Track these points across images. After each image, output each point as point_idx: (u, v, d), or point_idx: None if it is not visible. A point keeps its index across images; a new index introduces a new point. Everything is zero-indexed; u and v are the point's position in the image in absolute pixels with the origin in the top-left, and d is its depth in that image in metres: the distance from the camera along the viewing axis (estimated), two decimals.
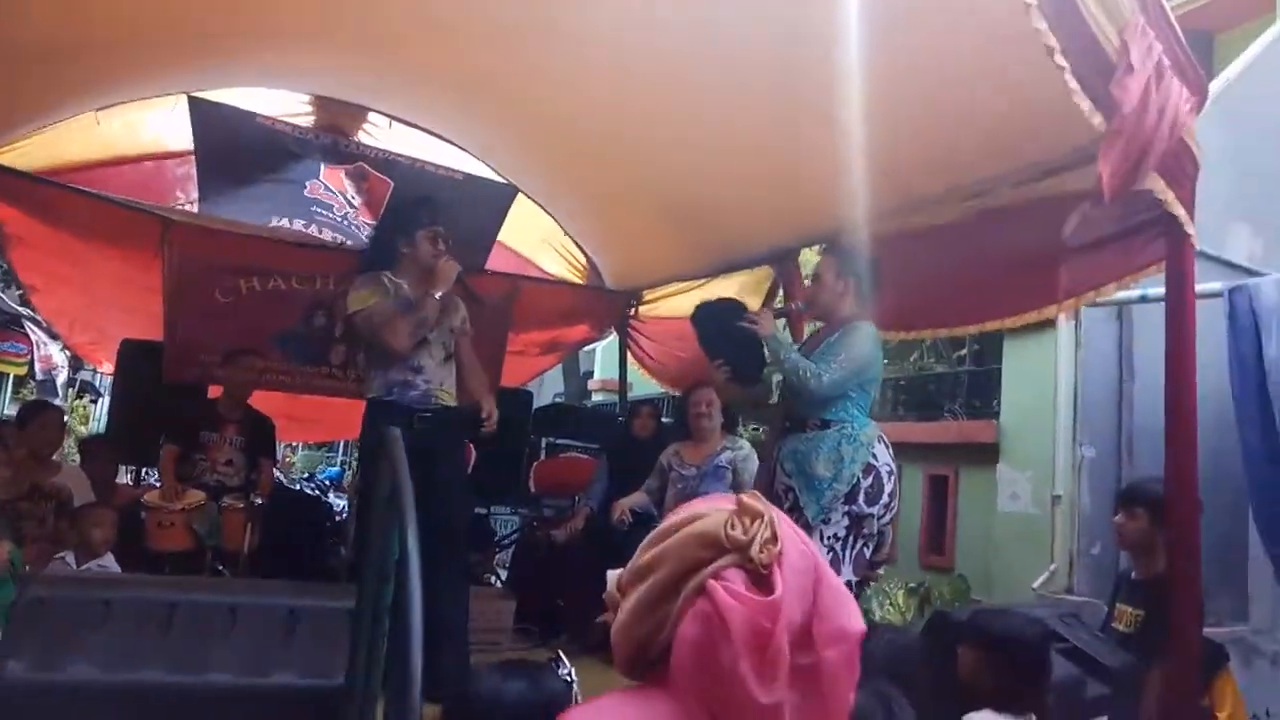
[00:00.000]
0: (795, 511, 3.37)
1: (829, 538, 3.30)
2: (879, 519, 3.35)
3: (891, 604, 5.56)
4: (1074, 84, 2.36)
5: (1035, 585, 5.02)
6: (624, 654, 1.05)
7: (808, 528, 3.35)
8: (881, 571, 3.75)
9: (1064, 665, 2.92)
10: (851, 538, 3.31)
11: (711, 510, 1.02)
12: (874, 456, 3.33)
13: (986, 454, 5.76)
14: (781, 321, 3.88)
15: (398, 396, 3.63)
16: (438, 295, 3.61)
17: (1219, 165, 5.18)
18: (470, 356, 3.93)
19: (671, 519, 1.07)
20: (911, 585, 5.68)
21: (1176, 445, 2.75)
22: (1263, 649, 4.96)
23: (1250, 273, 4.63)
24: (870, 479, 3.30)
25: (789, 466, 3.44)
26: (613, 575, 1.11)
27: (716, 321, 3.70)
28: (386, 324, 3.55)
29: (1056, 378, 5.17)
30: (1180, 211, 2.73)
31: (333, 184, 5.05)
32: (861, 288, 3.53)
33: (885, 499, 3.34)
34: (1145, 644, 3.05)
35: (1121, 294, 4.80)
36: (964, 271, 3.46)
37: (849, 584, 3.32)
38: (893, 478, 3.39)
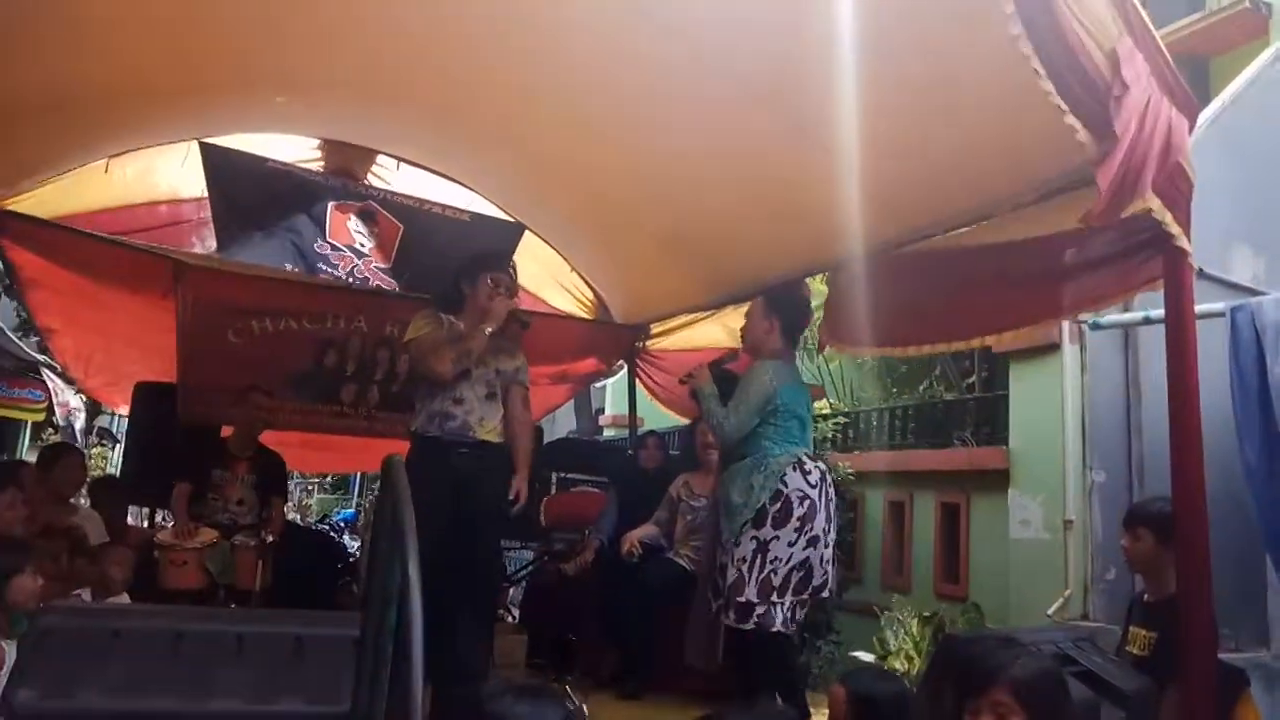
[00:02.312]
0: (720, 536, 3.76)
1: (738, 560, 3.58)
2: (791, 544, 3.54)
3: (906, 634, 5.51)
4: (1064, 105, 2.40)
5: (1050, 611, 4.98)
6: None
7: (725, 551, 3.68)
8: (825, 594, 3.85)
9: (1078, 689, 2.90)
10: (758, 560, 3.54)
11: None
12: (784, 484, 3.58)
13: (997, 480, 5.74)
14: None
15: (438, 429, 3.74)
16: (488, 330, 3.75)
17: (1219, 188, 5.22)
18: (520, 410, 4.00)
19: None
20: (925, 614, 5.64)
21: (1182, 464, 2.74)
22: None
23: (1254, 293, 4.64)
24: (778, 505, 3.56)
25: (719, 495, 3.81)
26: None
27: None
28: (433, 350, 3.74)
29: (1064, 402, 5.16)
30: (1177, 230, 2.74)
31: (340, 236, 5.13)
32: (786, 326, 3.90)
33: (795, 523, 3.55)
34: (1159, 666, 3.02)
35: (1126, 316, 4.85)
36: (964, 289, 3.48)
37: (755, 604, 3.52)
38: (805, 503, 3.58)
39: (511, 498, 3.80)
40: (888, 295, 3.79)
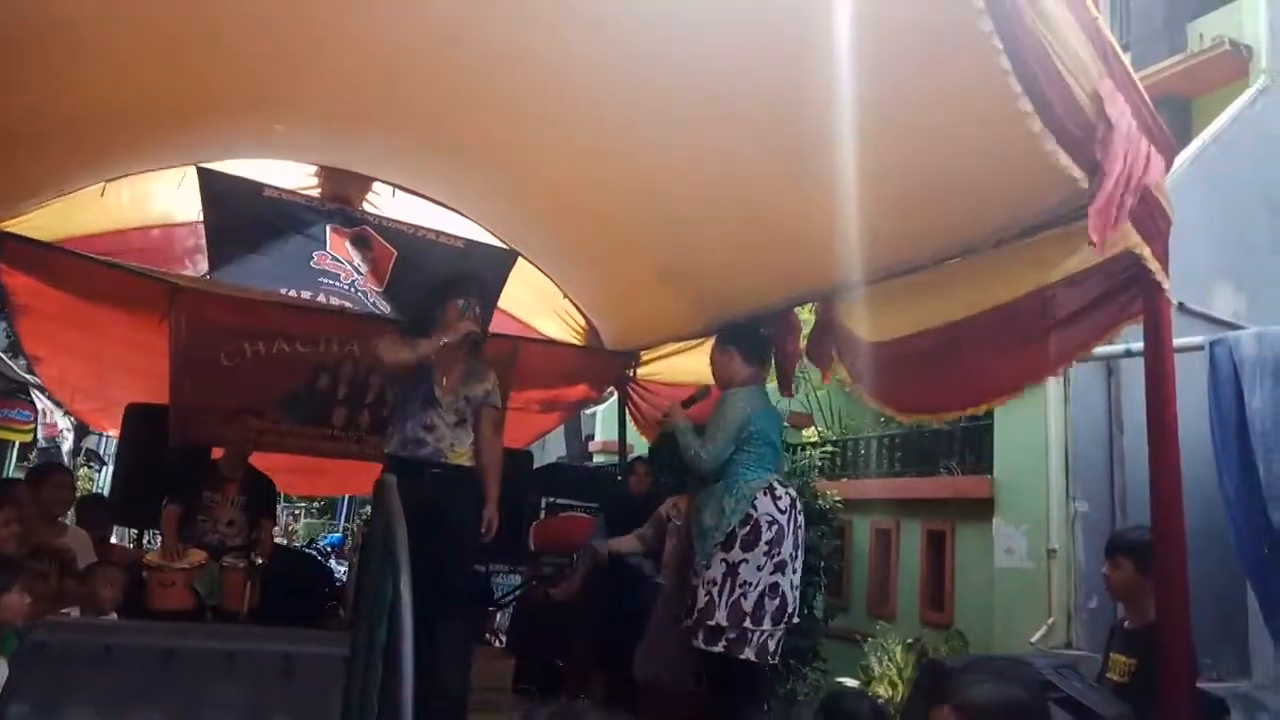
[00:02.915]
0: (692, 558, 3.81)
1: (708, 582, 3.63)
2: (760, 568, 3.59)
3: (890, 660, 5.53)
4: (1051, 145, 2.48)
5: (1034, 639, 5.01)
6: None
7: (697, 574, 3.73)
8: (795, 621, 3.85)
9: (1059, 715, 2.93)
10: (728, 584, 3.59)
11: None
12: (754, 508, 3.64)
13: (982, 509, 5.78)
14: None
15: (410, 453, 3.79)
16: (441, 341, 3.81)
17: (1200, 225, 5.33)
18: (489, 433, 4.06)
19: None
20: (909, 641, 5.66)
21: (1161, 495, 2.78)
22: (1267, 705, 4.91)
23: (1234, 328, 4.72)
24: (747, 528, 3.63)
25: (691, 519, 3.88)
26: None
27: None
28: (389, 348, 3.86)
29: (1048, 433, 5.22)
30: (1155, 266, 2.80)
31: (339, 253, 5.18)
32: (746, 354, 4.00)
33: (763, 547, 3.60)
34: (1139, 693, 3.05)
35: (1108, 349, 4.90)
36: (959, 363, 3.51)
37: (726, 629, 3.57)
38: (774, 527, 3.64)
39: (483, 529, 3.86)
40: (884, 367, 3.85)
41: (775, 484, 3.75)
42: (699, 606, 3.64)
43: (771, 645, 3.66)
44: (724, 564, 3.61)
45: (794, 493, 3.85)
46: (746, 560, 3.59)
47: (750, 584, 3.58)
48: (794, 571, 3.71)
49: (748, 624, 3.56)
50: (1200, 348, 3.91)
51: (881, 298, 3.88)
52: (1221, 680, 4.64)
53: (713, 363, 4.13)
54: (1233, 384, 3.71)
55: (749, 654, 3.57)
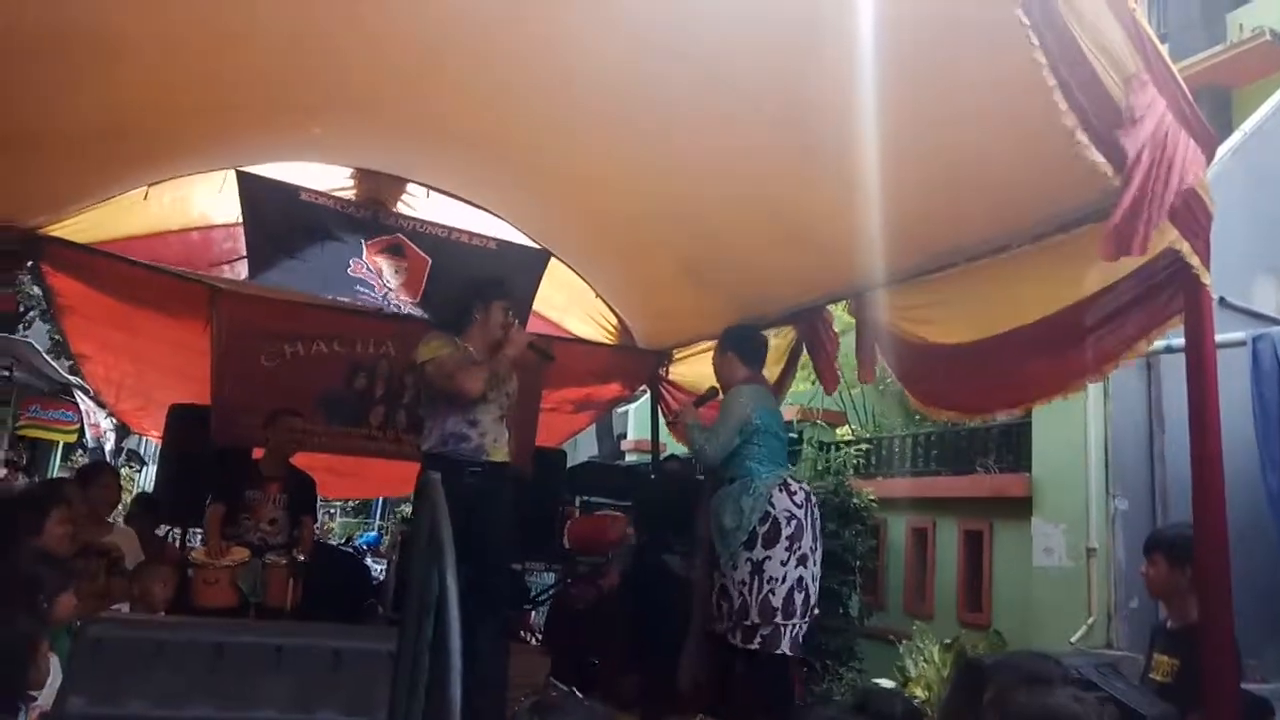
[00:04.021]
0: (716, 560, 3.90)
1: (737, 583, 3.73)
2: (784, 563, 3.69)
3: (927, 660, 5.50)
4: (1083, 138, 2.45)
5: (1074, 639, 4.97)
6: None
7: (724, 574, 3.82)
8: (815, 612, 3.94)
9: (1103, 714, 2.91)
10: (756, 582, 3.69)
11: None
12: (771, 505, 3.75)
13: (1020, 508, 5.74)
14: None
15: (452, 449, 3.81)
16: (509, 355, 3.87)
17: (1242, 217, 5.25)
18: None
19: None
20: (947, 641, 5.62)
21: (1203, 493, 2.75)
22: None
23: (1276, 322, 4.65)
24: (767, 525, 3.73)
25: (710, 520, 3.97)
26: None
27: None
28: (461, 369, 3.80)
29: (1087, 430, 5.17)
30: (1196, 261, 2.77)
31: (373, 264, 5.24)
32: (744, 355, 4.18)
33: (785, 543, 3.71)
34: (1182, 693, 3.02)
35: (1148, 345, 4.86)
36: (1000, 366, 3.50)
37: (760, 625, 3.65)
38: (793, 522, 3.75)
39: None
40: (915, 366, 3.87)
41: (789, 480, 3.87)
42: (735, 607, 3.72)
43: (803, 636, 3.77)
44: (749, 563, 3.71)
45: (807, 487, 3.95)
46: (770, 557, 3.70)
47: (777, 579, 3.68)
48: (815, 564, 3.81)
49: (779, 619, 3.65)
50: (1243, 343, 3.86)
51: (919, 304, 3.87)
52: (1266, 681, 4.57)
53: (714, 366, 4.32)
54: (1276, 379, 3.66)
55: (784, 648, 3.65)
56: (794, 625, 3.69)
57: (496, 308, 3.97)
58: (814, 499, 3.92)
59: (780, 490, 3.79)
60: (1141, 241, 2.49)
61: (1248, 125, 5.95)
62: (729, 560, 3.78)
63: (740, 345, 4.26)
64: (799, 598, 3.69)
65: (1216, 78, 7.11)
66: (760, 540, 3.72)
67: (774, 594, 3.66)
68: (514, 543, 4.02)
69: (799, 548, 3.73)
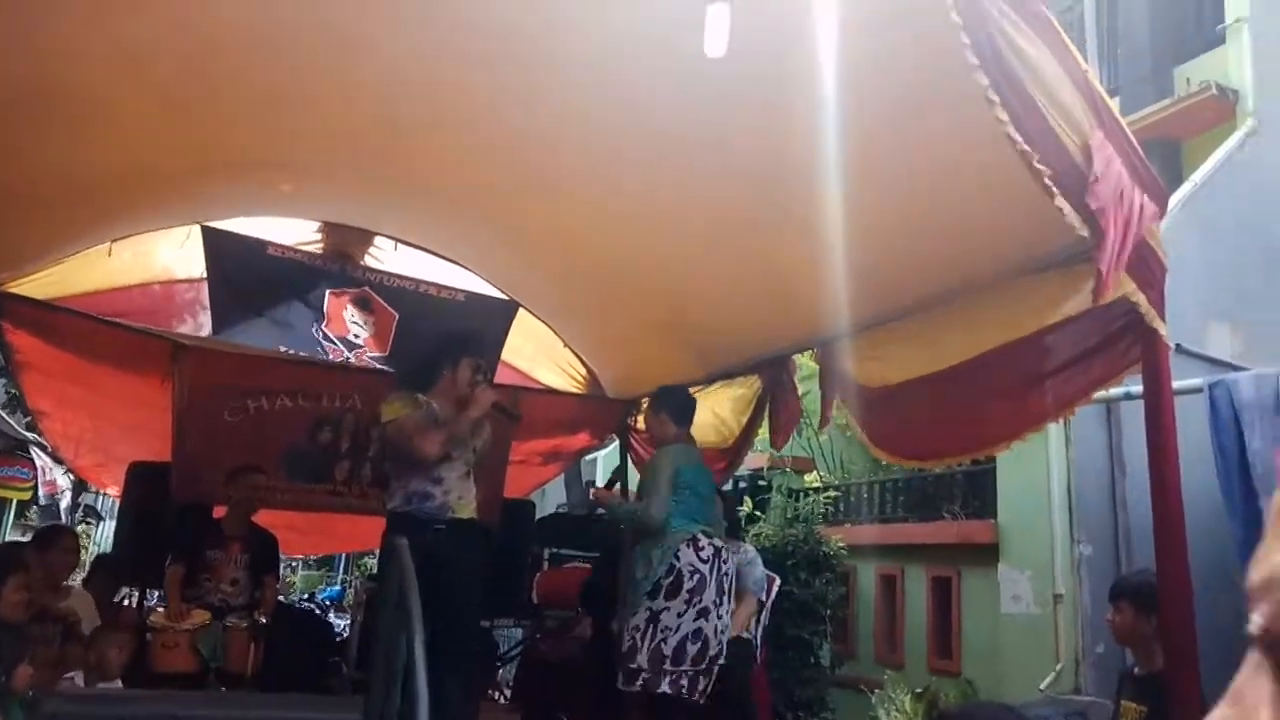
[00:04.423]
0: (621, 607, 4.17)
1: (632, 628, 3.93)
2: (681, 614, 3.88)
3: (899, 710, 5.48)
4: (1054, 188, 2.52)
5: (1043, 686, 4.97)
6: None
7: (621, 620, 4.07)
8: (721, 663, 4.06)
9: None
10: (650, 630, 3.88)
11: None
12: (677, 558, 3.93)
13: (987, 554, 5.77)
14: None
15: (416, 507, 3.77)
16: (473, 416, 3.83)
17: (1195, 266, 5.39)
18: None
19: None
20: (918, 690, 5.61)
21: (1164, 539, 2.78)
22: None
23: (1232, 368, 4.75)
24: (671, 578, 3.91)
25: (625, 571, 4.25)
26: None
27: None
28: (419, 432, 3.76)
29: (1050, 476, 5.23)
30: (1150, 312, 2.84)
31: (339, 319, 5.20)
32: (674, 415, 4.32)
33: (685, 595, 3.89)
34: None
35: (1108, 392, 4.93)
36: (959, 409, 3.55)
37: (644, 670, 3.86)
38: (695, 576, 3.94)
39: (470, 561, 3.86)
40: (877, 412, 3.91)
41: (699, 535, 4.01)
42: (623, 650, 3.94)
43: (701, 684, 3.91)
44: (648, 611, 3.90)
45: (719, 543, 4.10)
46: (669, 608, 3.88)
47: (671, 629, 3.87)
48: (719, 618, 3.97)
49: (667, 665, 3.84)
50: (1200, 390, 3.94)
51: (881, 343, 3.92)
52: None
53: (647, 424, 4.56)
54: (1234, 426, 3.73)
55: (665, 688, 3.84)
56: (685, 672, 3.87)
57: (465, 366, 3.93)
58: (724, 554, 4.08)
59: (688, 545, 3.96)
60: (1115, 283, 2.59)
61: (1197, 176, 6.13)
62: (632, 607, 3.98)
63: (672, 404, 4.41)
64: (693, 648, 3.88)
65: (1166, 130, 7.32)
66: (663, 592, 3.90)
67: (665, 643, 3.86)
68: (480, 601, 3.96)
69: (699, 601, 3.91)
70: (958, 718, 3.03)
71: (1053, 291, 3.07)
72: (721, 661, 4.02)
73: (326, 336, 5.15)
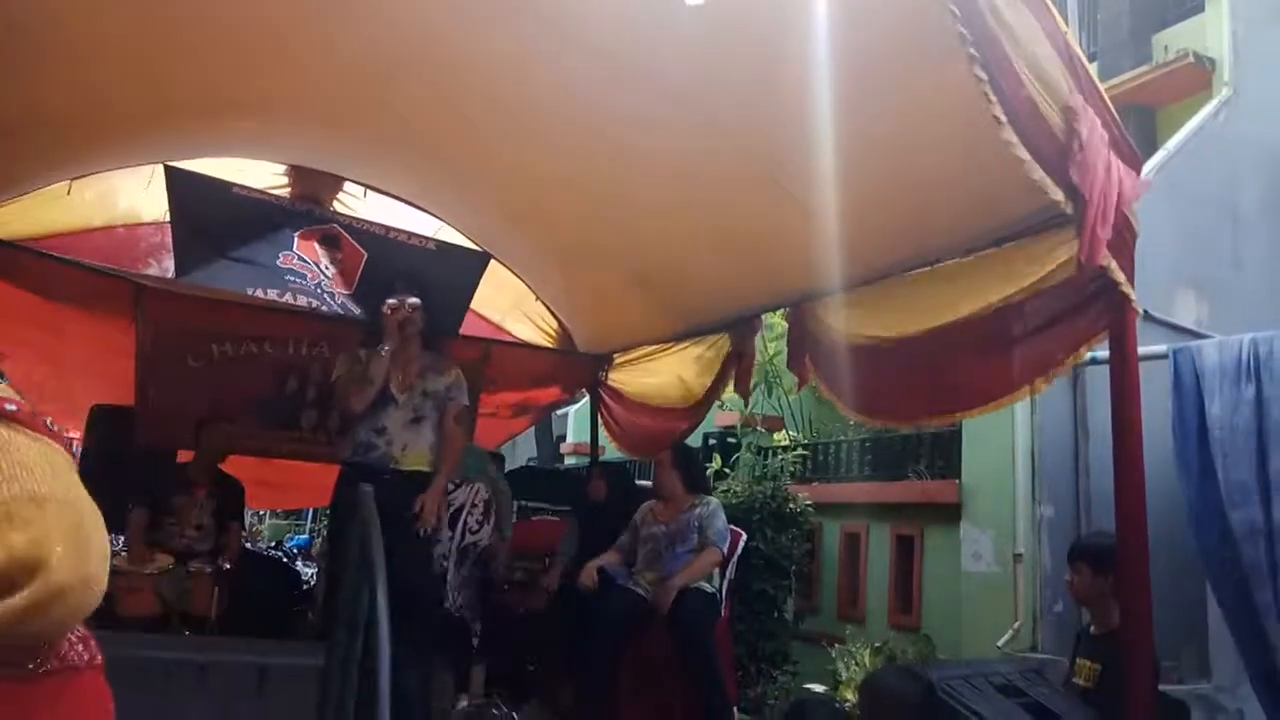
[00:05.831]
0: None
1: None
2: None
3: (858, 664, 5.57)
4: (1025, 155, 2.51)
5: (1001, 643, 5.08)
6: None
7: None
8: None
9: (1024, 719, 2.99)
10: None
11: None
12: None
13: (950, 514, 5.85)
14: None
15: (361, 458, 3.76)
16: (384, 351, 3.81)
17: (1164, 234, 5.43)
18: (450, 429, 4.03)
19: None
20: (877, 645, 5.71)
21: (1124, 501, 2.84)
22: (1225, 706, 5.01)
23: (1197, 335, 4.81)
24: None
25: None
26: None
27: None
28: (343, 390, 3.90)
29: (1015, 439, 5.29)
30: (1122, 278, 2.86)
31: (307, 253, 5.09)
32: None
33: None
34: (1104, 698, 3.11)
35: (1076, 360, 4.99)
36: (931, 373, 3.56)
37: None
38: None
39: (415, 511, 3.77)
40: (849, 372, 3.90)
41: None
42: None
43: None
44: None
45: None
46: None
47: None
48: None
49: None
50: (1164, 356, 3.98)
51: (854, 305, 3.91)
52: (1182, 682, 4.73)
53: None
54: (1195, 392, 3.78)
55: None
56: None
57: (386, 306, 3.92)
58: None
59: None
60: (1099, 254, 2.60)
61: (1171, 144, 6.16)
62: None
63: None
64: None
65: (1142, 97, 7.34)
66: None
67: None
68: (426, 554, 3.97)
69: None
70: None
71: (1029, 257, 3.08)
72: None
73: (301, 258, 5.04)
